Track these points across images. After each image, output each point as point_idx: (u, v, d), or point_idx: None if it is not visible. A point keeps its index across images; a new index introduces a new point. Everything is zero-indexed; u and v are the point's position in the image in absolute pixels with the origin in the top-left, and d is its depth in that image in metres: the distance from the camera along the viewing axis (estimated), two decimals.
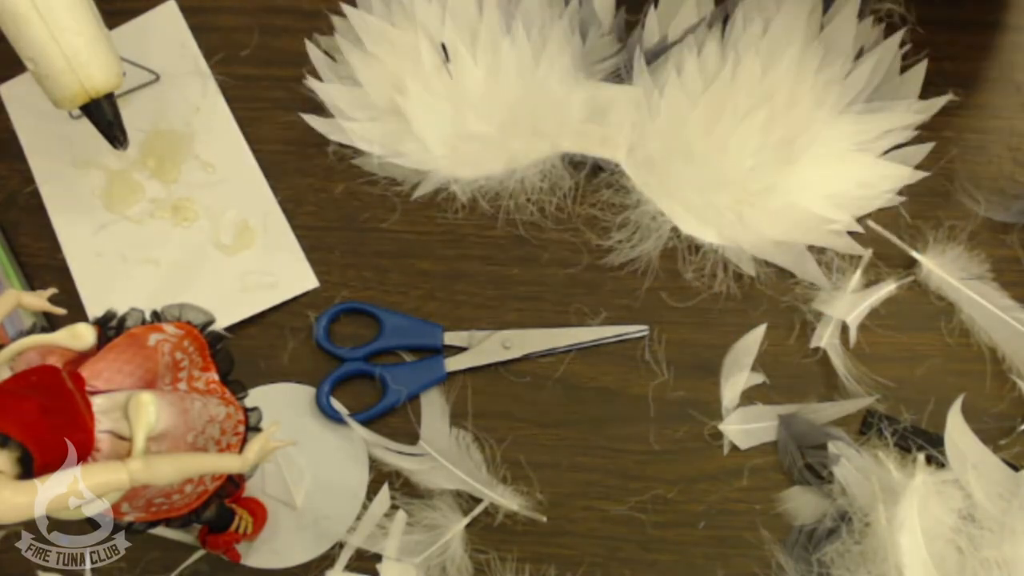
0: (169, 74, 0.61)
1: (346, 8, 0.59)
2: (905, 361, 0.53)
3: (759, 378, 0.54)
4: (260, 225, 0.59)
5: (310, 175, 0.59)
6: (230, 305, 0.57)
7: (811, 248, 0.54)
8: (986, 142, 0.55)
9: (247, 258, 0.58)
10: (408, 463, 0.53)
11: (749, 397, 0.54)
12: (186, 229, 0.59)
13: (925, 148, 0.55)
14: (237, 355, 0.56)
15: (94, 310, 0.58)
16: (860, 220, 0.54)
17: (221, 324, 0.56)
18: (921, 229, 0.54)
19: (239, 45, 0.61)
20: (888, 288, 0.53)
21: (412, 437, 0.55)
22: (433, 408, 0.54)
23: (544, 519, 0.53)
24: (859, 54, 0.56)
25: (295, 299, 0.58)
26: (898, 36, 0.55)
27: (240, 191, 0.59)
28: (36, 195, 0.61)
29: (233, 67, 0.61)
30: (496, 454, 0.54)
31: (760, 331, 0.54)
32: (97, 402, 0.39)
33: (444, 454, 0.53)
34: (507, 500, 0.53)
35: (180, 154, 0.60)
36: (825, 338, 0.53)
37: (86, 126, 0.53)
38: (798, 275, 0.54)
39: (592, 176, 0.57)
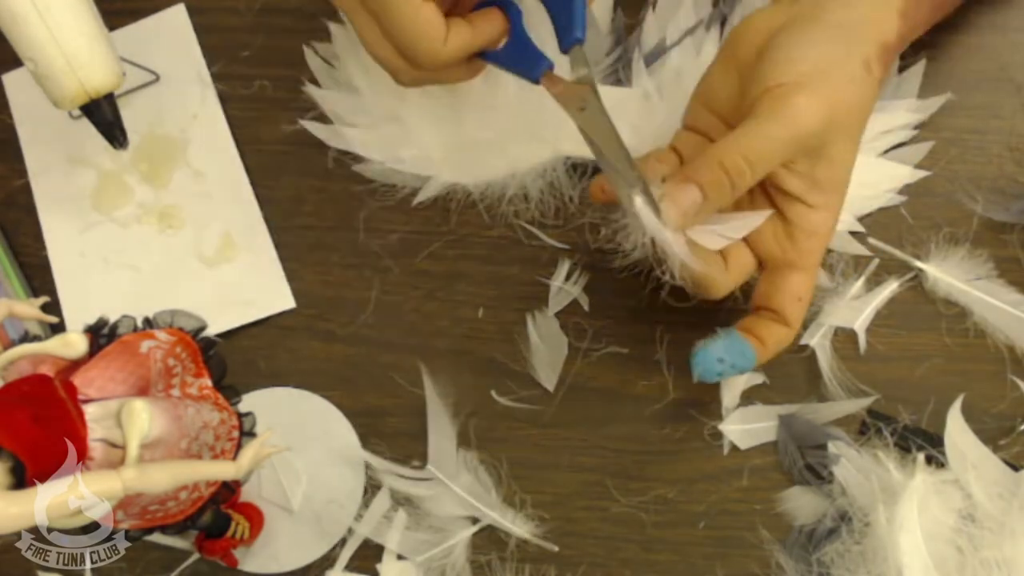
0: (170, 78, 0.61)
1: (344, 16, 0.59)
2: (905, 361, 0.53)
3: (759, 378, 0.54)
4: (244, 240, 0.58)
5: (310, 175, 0.59)
6: (205, 318, 0.57)
7: None
8: (986, 142, 0.55)
9: (227, 272, 0.58)
10: (416, 488, 0.53)
11: (749, 397, 0.54)
12: (170, 237, 0.59)
13: (925, 147, 0.55)
14: (236, 356, 0.56)
15: (71, 310, 0.58)
16: (861, 220, 0.54)
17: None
18: (922, 233, 0.54)
19: (240, 45, 0.61)
20: (891, 287, 0.54)
21: (411, 438, 0.55)
22: (440, 431, 0.54)
23: (556, 548, 0.53)
24: None
25: (294, 297, 0.58)
26: None
27: (228, 204, 0.59)
28: (28, 189, 0.61)
29: (234, 67, 0.61)
30: (501, 459, 0.54)
31: None
32: (90, 410, 0.39)
33: (453, 478, 0.53)
34: (518, 527, 0.53)
35: (173, 160, 0.60)
36: (816, 337, 0.53)
37: (87, 122, 0.53)
38: None
39: (593, 179, 0.56)
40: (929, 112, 0.55)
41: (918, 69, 0.55)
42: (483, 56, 0.51)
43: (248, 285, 0.58)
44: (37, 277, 0.59)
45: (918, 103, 0.55)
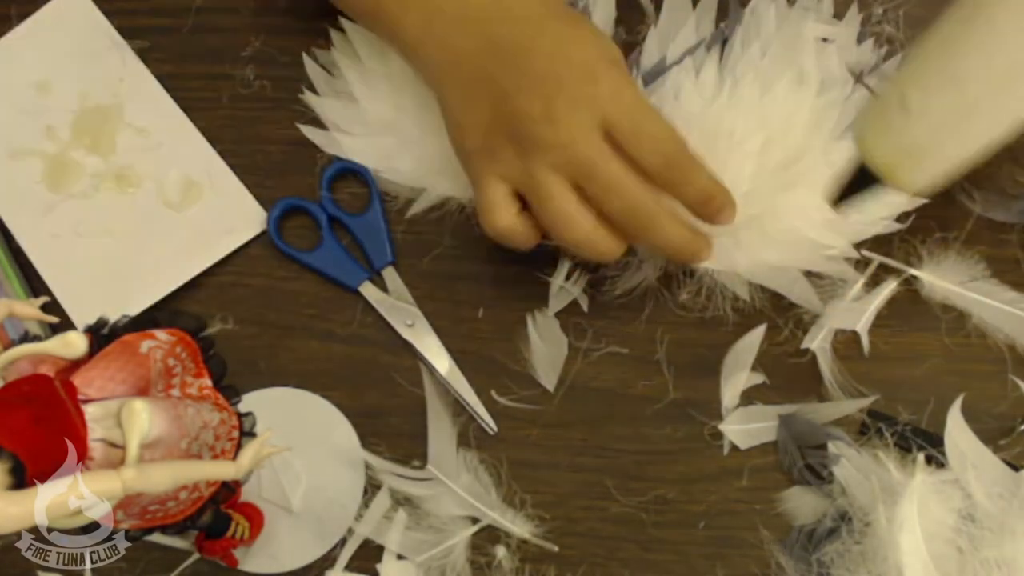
0: (87, 52, 0.62)
1: (345, 23, 0.59)
2: (905, 361, 0.53)
3: (759, 378, 0.54)
4: (204, 178, 0.59)
5: (310, 175, 0.59)
6: (192, 258, 0.58)
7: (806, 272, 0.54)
8: None
9: (199, 212, 0.59)
10: (416, 488, 0.53)
11: (749, 397, 0.54)
12: (133, 196, 0.60)
13: None
14: (237, 355, 0.56)
15: (60, 290, 0.58)
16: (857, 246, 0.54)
17: (188, 277, 0.58)
18: (918, 234, 0.54)
19: (240, 45, 0.61)
20: (890, 287, 0.54)
21: (411, 438, 0.55)
22: (440, 431, 0.54)
23: (556, 548, 0.53)
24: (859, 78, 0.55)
25: (294, 298, 0.58)
26: (897, 59, 0.55)
27: (179, 150, 0.60)
28: None
29: (234, 67, 0.61)
30: (501, 459, 0.54)
31: (760, 331, 0.54)
32: (90, 410, 0.39)
33: (453, 478, 0.53)
34: (519, 527, 0.53)
35: (112, 126, 0.61)
36: (817, 340, 0.53)
37: (14, 114, 0.58)
38: (792, 299, 0.54)
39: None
40: None
41: None
42: (305, 262, 0.57)
43: (222, 217, 0.59)
44: (36, 278, 0.59)
45: None
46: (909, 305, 0.54)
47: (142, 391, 0.42)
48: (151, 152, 0.60)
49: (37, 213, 0.60)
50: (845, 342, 0.53)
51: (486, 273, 0.57)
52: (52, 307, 0.57)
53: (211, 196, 0.59)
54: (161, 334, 0.44)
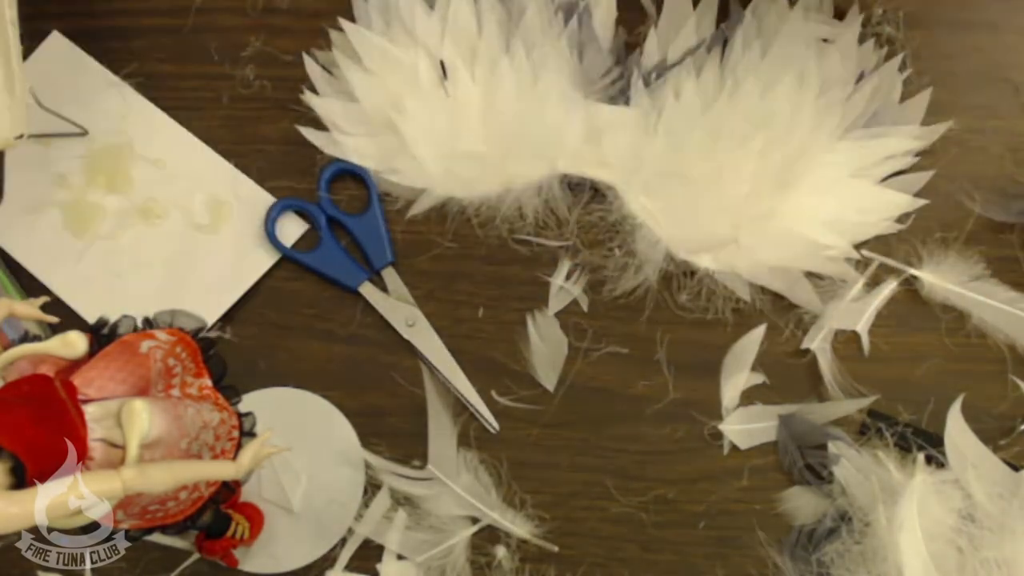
0: (83, 95, 0.60)
1: (344, 23, 0.59)
2: (905, 361, 0.53)
3: (759, 378, 0.54)
4: (231, 196, 0.59)
5: (309, 176, 0.59)
6: (237, 275, 0.57)
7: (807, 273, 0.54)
8: (986, 142, 0.55)
9: (232, 229, 0.59)
10: (416, 488, 0.53)
11: (749, 397, 0.54)
12: (161, 227, 0.59)
13: (925, 176, 0.54)
14: (236, 356, 0.56)
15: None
16: (857, 247, 0.54)
17: (238, 294, 0.57)
18: (918, 235, 0.54)
19: (240, 45, 0.61)
20: (890, 287, 0.54)
21: (411, 438, 0.55)
22: (440, 431, 0.54)
23: (556, 548, 0.53)
24: (859, 78, 0.55)
25: (294, 298, 0.58)
26: (897, 60, 0.55)
27: (198, 173, 0.59)
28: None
29: (234, 67, 0.61)
30: (501, 459, 0.54)
31: (760, 331, 0.54)
32: (90, 410, 0.39)
33: (453, 478, 0.53)
34: (519, 527, 0.53)
35: (126, 162, 0.60)
36: (817, 340, 0.53)
37: (20, 171, 0.56)
38: (792, 300, 0.54)
39: (590, 198, 0.56)
40: (930, 139, 0.55)
41: (923, 97, 0.55)
42: (304, 263, 0.57)
43: (258, 231, 0.58)
44: (54, 303, 0.59)
45: (919, 129, 0.55)
46: (909, 305, 0.54)
47: (142, 391, 0.42)
48: (171, 181, 0.59)
49: (69, 262, 0.59)
50: (845, 342, 0.53)
51: (486, 273, 0.57)
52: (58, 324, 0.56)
53: (240, 212, 0.58)
54: (161, 334, 0.44)
